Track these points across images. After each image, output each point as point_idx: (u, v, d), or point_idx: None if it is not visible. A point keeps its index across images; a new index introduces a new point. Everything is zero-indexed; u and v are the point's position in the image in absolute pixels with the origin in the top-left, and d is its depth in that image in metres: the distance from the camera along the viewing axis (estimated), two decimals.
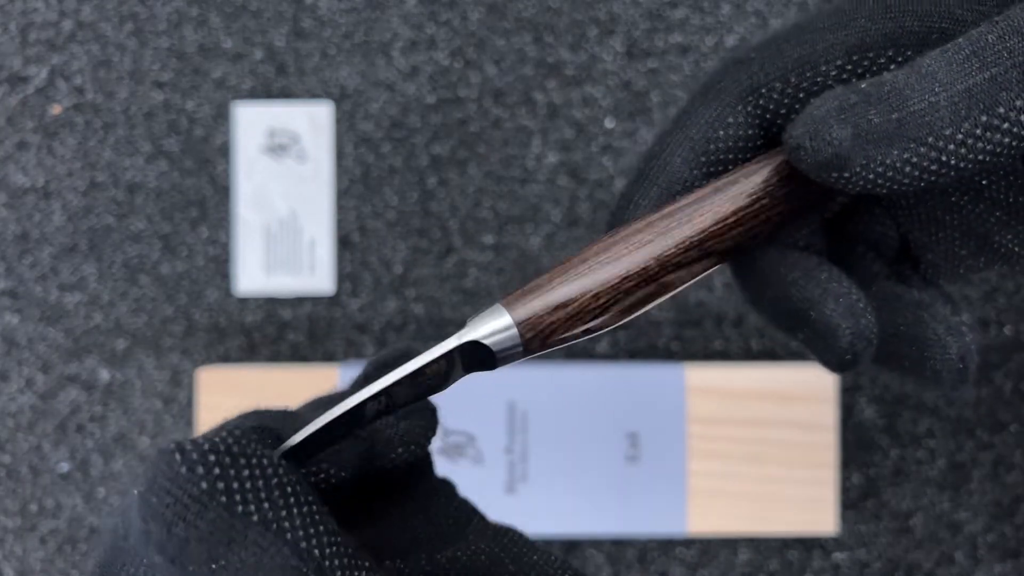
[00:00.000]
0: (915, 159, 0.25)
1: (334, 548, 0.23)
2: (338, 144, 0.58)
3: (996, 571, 0.57)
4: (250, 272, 0.58)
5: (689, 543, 0.57)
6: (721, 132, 0.29)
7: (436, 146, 0.58)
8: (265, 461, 0.23)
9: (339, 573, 0.23)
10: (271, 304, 0.58)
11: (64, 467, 0.58)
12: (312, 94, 0.58)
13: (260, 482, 0.23)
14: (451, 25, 0.58)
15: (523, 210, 0.58)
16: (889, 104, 0.26)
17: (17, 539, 0.58)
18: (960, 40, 0.26)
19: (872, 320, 0.28)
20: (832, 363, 0.28)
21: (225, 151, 0.58)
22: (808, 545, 0.57)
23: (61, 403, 0.58)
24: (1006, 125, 0.25)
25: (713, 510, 0.53)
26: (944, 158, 0.25)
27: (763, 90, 0.29)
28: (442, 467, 0.52)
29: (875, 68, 0.28)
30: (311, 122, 0.58)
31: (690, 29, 0.58)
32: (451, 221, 0.58)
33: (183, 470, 0.22)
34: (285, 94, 0.58)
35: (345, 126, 0.58)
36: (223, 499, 0.22)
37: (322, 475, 0.26)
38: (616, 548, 0.57)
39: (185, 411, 0.57)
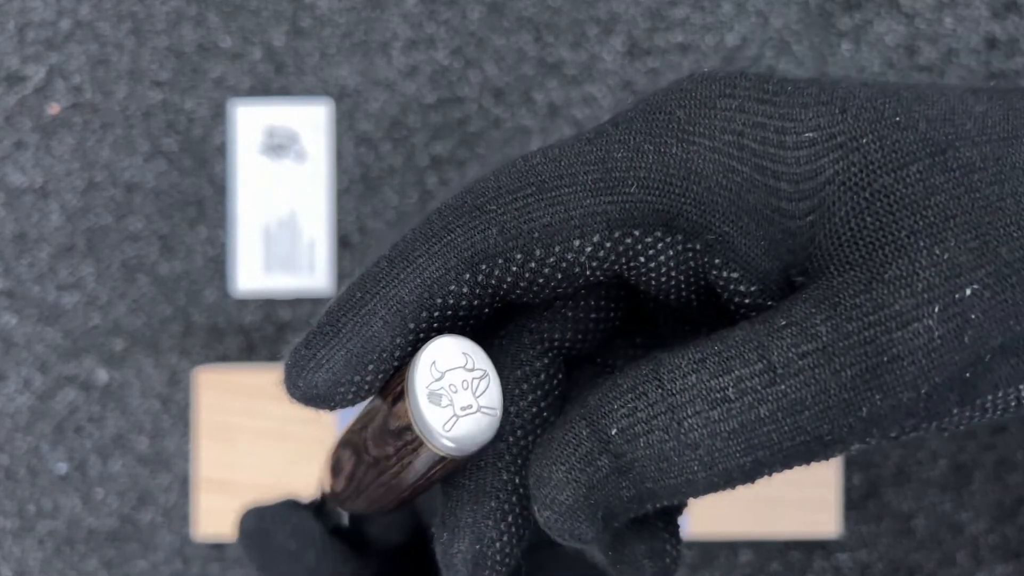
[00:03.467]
0: (662, 506, 0.23)
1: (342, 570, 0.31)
2: (337, 144, 0.58)
3: (998, 572, 0.57)
4: (249, 272, 0.58)
5: (689, 544, 0.57)
6: (439, 300, 0.24)
7: (436, 146, 0.58)
8: (295, 515, 0.32)
9: None
10: (270, 304, 0.58)
11: (62, 468, 0.58)
12: (311, 93, 0.58)
13: (288, 527, 0.32)
14: (451, 24, 0.58)
15: None
16: (643, 476, 0.22)
17: (15, 540, 0.58)
18: (727, 390, 0.22)
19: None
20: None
21: (224, 150, 0.58)
22: (809, 546, 0.57)
23: (59, 403, 0.58)
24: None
25: (714, 511, 0.53)
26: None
27: (499, 260, 0.23)
28: None
29: (639, 247, 0.23)
30: (310, 122, 0.58)
31: (691, 28, 0.58)
32: None
33: (242, 520, 0.33)
34: (284, 93, 0.58)
35: (344, 126, 0.58)
36: (262, 546, 0.32)
37: (373, 554, 0.33)
38: None
39: (183, 411, 0.57)
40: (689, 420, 0.21)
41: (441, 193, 0.58)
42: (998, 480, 0.57)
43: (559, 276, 0.24)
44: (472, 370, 0.24)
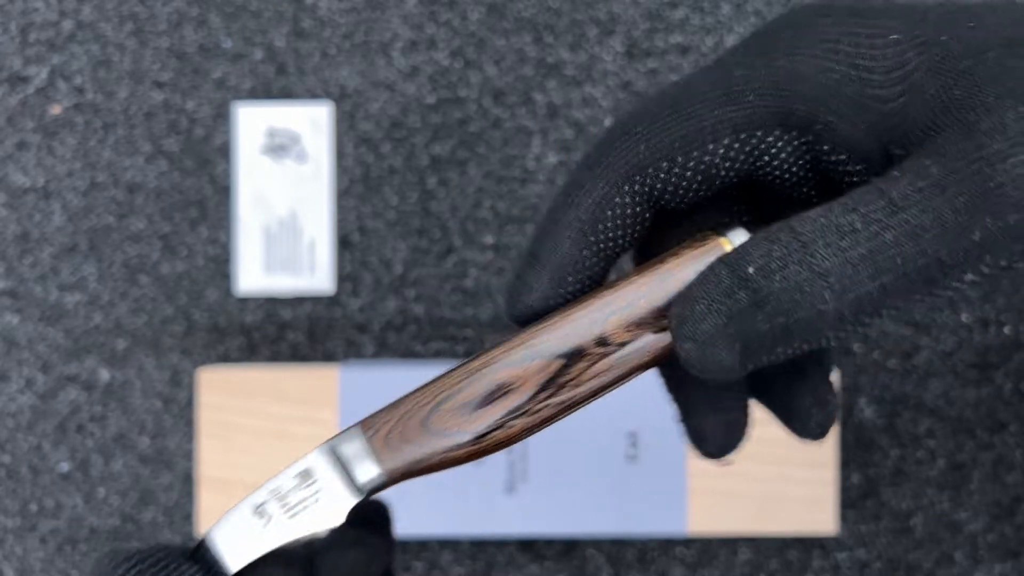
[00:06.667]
0: (793, 351, 0.26)
1: None
2: (338, 144, 0.58)
3: (996, 571, 0.57)
4: (250, 272, 0.58)
5: (689, 543, 0.57)
6: (609, 212, 0.29)
7: (436, 146, 0.58)
8: (183, 567, 0.28)
9: None
10: (271, 304, 0.58)
11: (64, 467, 0.58)
12: (312, 94, 0.58)
13: None
14: (451, 25, 0.58)
15: (523, 210, 0.58)
16: (777, 309, 0.25)
17: (17, 539, 0.58)
18: (854, 223, 0.25)
19: (739, 436, 0.31)
20: (699, 453, 0.31)
21: (225, 151, 0.58)
22: (808, 545, 0.57)
23: (61, 403, 0.58)
24: (881, 320, 0.26)
25: (713, 510, 0.53)
26: (816, 344, 0.26)
27: (649, 170, 0.29)
28: None
29: (763, 146, 0.28)
30: (311, 122, 0.58)
31: (690, 29, 0.58)
32: (451, 221, 0.58)
33: (108, 567, 0.28)
34: (285, 94, 0.58)
35: (345, 126, 0.58)
36: None
37: None
38: (616, 548, 0.57)
39: (185, 411, 0.57)
40: (821, 251, 0.25)
41: (441, 193, 0.58)
42: (996, 479, 0.57)
43: (699, 178, 0.29)
44: None
